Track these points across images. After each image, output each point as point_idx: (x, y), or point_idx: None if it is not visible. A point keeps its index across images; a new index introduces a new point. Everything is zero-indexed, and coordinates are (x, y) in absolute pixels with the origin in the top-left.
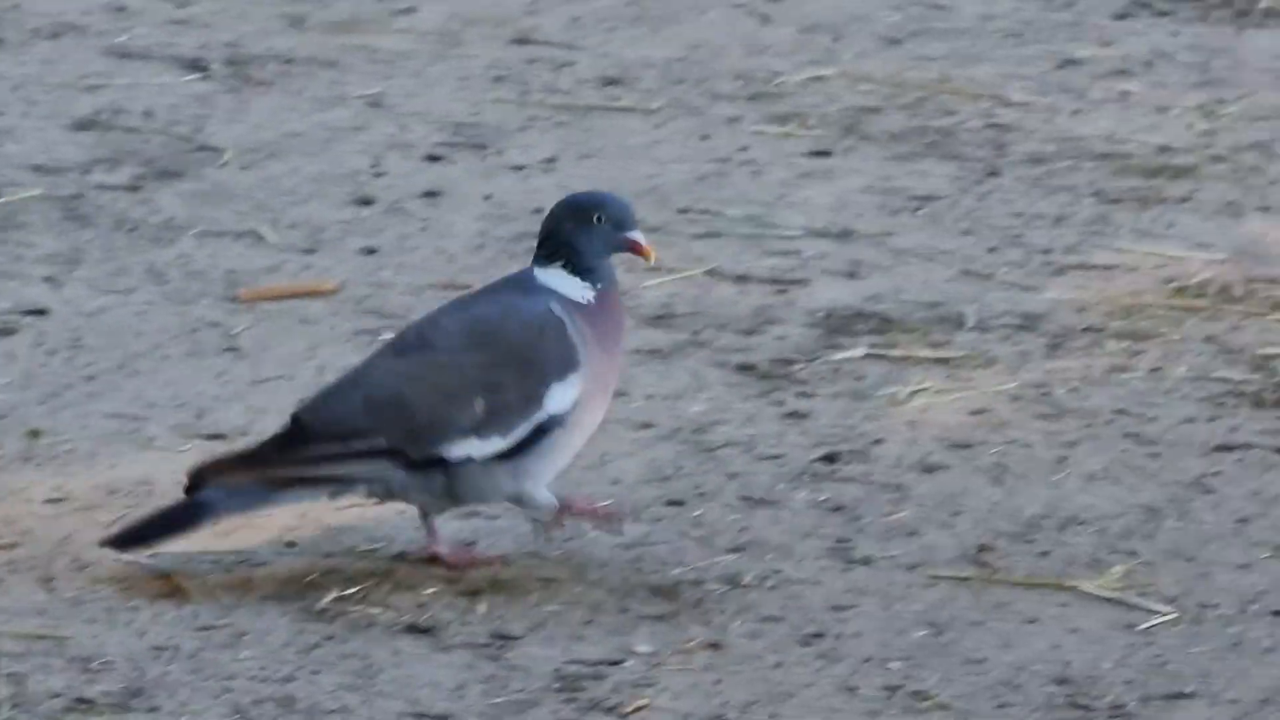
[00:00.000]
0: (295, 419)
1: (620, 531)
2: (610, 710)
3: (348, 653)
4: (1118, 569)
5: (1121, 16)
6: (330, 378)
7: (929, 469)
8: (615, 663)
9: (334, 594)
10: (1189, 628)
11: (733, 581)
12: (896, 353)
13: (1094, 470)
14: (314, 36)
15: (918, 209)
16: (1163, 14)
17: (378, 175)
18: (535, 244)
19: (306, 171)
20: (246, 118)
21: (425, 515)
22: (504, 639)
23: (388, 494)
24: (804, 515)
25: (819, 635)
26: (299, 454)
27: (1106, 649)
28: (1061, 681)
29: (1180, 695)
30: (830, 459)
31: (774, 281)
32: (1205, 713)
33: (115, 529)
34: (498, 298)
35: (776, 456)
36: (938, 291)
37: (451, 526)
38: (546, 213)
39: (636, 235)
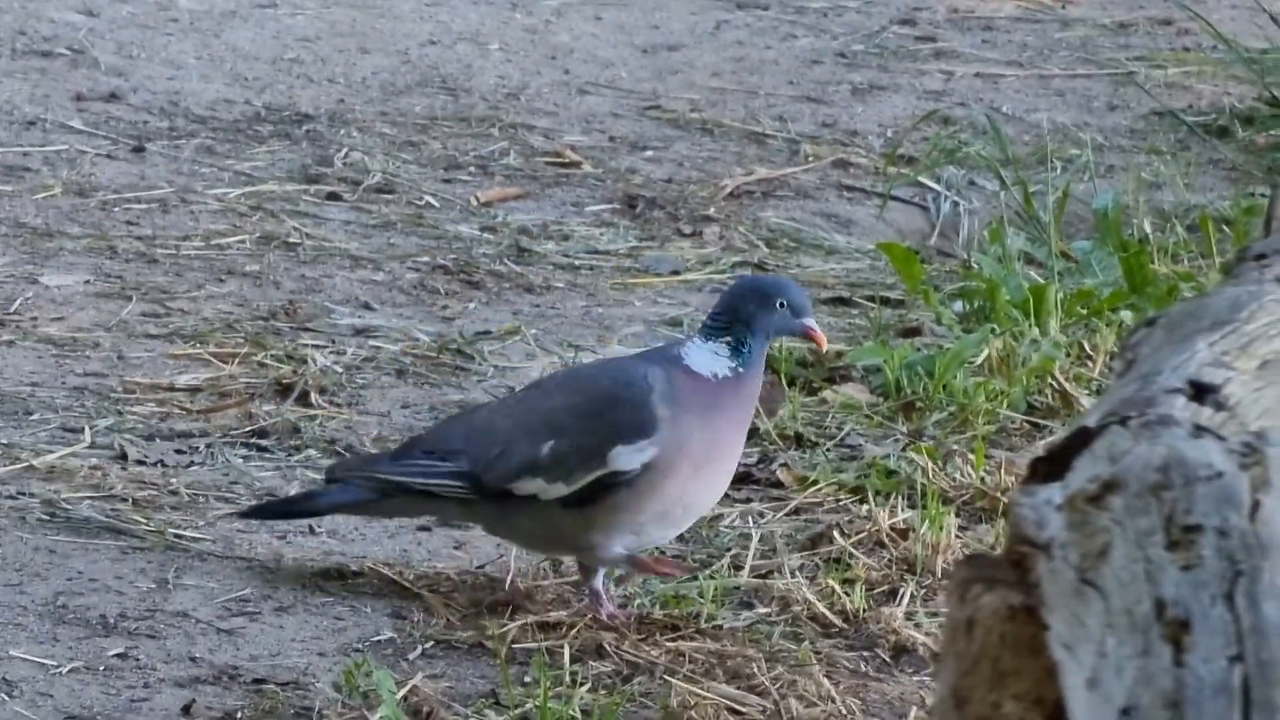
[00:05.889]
0: (419, 435)
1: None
2: None
3: None
4: None
5: None
6: None
7: None
8: None
9: None
10: None
11: None
12: None
13: None
14: None
15: None
16: None
17: None
18: (710, 312)
19: None
20: None
21: (587, 575)
22: None
23: (475, 523)
24: None
25: None
26: (403, 463)
27: None
28: None
29: None
30: None
31: None
32: None
33: (253, 504)
34: (627, 358)
35: None
36: None
37: None
38: (729, 289)
39: (812, 323)
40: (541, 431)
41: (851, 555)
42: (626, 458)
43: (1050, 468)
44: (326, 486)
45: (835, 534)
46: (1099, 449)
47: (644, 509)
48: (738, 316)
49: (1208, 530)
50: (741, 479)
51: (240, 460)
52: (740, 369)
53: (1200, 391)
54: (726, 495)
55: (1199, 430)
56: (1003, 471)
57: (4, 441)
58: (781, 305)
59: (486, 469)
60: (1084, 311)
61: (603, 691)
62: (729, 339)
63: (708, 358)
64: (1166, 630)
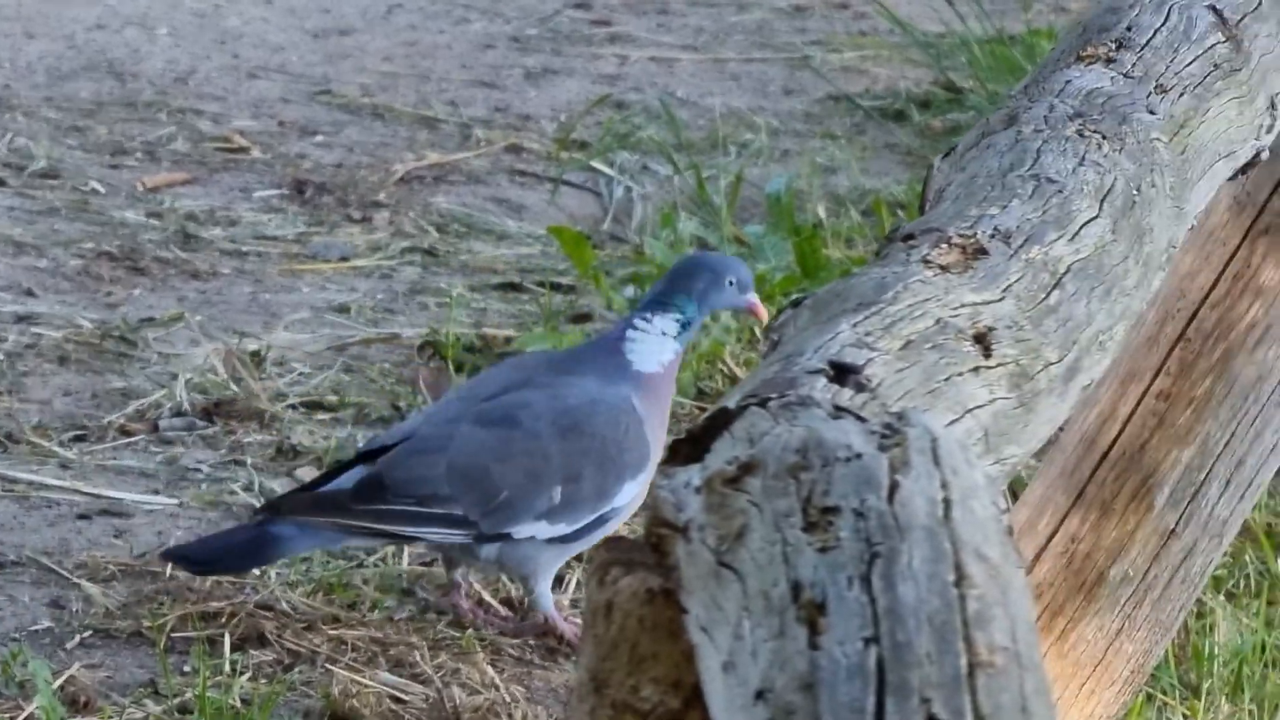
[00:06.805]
0: (377, 473)
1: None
2: None
3: None
4: None
5: None
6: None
7: None
8: None
9: None
10: None
11: None
12: None
13: None
14: None
15: None
16: None
17: None
18: (656, 288)
19: None
20: None
21: (451, 569)
22: None
23: (448, 557)
24: None
25: None
26: (375, 507)
27: None
28: None
29: None
30: None
31: None
32: None
33: (182, 544)
34: (584, 380)
35: None
36: None
37: None
38: (680, 265)
39: (755, 299)
40: (551, 478)
41: None
42: (626, 492)
43: (690, 449)
44: (280, 531)
45: None
46: (738, 430)
47: (616, 528)
48: (690, 293)
49: (845, 512)
50: None
51: None
52: (679, 348)
53: (841, 372)
54: None
55: (839, 411)
56: None
57: None
58: (731, 283)
59: (486, 516)
60: None
61: (263, 680)
62: (678, 315)
63: (655, 346)
64: (802, 612)
